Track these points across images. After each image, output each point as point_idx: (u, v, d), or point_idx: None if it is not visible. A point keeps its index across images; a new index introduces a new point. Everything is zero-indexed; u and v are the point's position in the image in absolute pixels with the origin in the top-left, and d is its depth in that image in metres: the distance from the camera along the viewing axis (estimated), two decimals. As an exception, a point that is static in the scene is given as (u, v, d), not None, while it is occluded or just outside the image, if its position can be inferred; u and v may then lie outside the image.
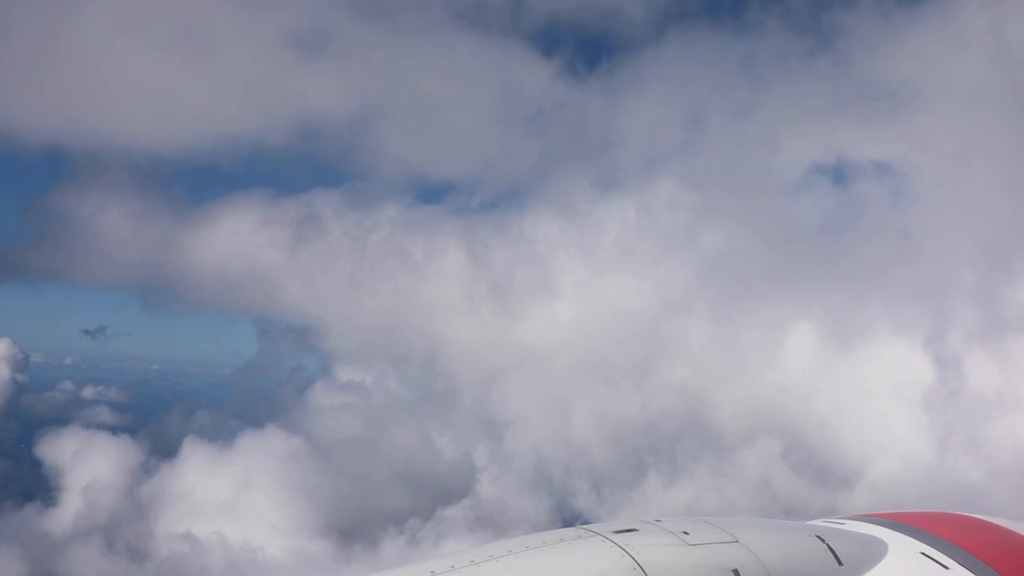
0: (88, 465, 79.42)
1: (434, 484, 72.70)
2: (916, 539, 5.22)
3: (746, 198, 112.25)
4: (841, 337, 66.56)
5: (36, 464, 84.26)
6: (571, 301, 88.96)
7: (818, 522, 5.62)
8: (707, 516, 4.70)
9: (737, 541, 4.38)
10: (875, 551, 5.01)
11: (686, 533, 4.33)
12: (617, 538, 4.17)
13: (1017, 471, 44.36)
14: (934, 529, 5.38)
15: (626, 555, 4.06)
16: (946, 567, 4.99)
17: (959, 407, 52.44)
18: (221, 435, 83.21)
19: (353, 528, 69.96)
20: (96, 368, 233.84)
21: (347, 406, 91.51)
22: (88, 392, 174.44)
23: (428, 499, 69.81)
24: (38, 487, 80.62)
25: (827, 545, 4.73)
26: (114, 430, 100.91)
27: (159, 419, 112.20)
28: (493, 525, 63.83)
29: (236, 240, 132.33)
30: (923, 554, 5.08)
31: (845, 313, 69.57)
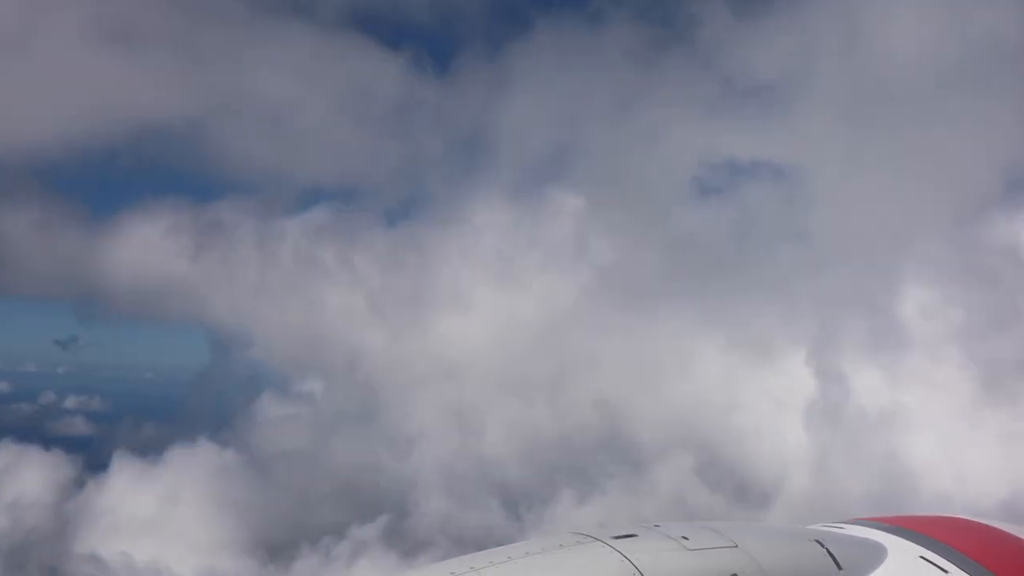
0: (18, 481, 78.00)
1: (356, 500, 71.08)
2: (915, 543, 5.21)
3: (642, 205, 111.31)
4: (747, 349, 65.06)
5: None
6: (479, 313, 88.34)
7: (817, 526, 5.55)
8: (706, 521, 4.67)
9: (736, 546, 4.38)
10: (875, 555, 5.03)
11: (685, 538, 4.33)
12: (616, 543, 4.20)
13: (906, 483, 42.49)
14: (933, 533, 5.36)
15: (625, 560, 4.11)
16: (945, 571, 5.01)
17: (862, 419, 50.40)
18: (160, 448, 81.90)
19: (281, 545, 68.23)
20: (88, 377, 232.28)
21: (290, 418, 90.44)
22: (71, 402, 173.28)
23: (348, 515, 68.11)
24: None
25: (826, 549, 4.74)
26: (78, 442, 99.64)
27: (109, 431, 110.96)
28: (406, 542, 62.11)
29: (145, 251, 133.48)
30: (922, 558, 5.09)
31: (750, 324, 68.01)
